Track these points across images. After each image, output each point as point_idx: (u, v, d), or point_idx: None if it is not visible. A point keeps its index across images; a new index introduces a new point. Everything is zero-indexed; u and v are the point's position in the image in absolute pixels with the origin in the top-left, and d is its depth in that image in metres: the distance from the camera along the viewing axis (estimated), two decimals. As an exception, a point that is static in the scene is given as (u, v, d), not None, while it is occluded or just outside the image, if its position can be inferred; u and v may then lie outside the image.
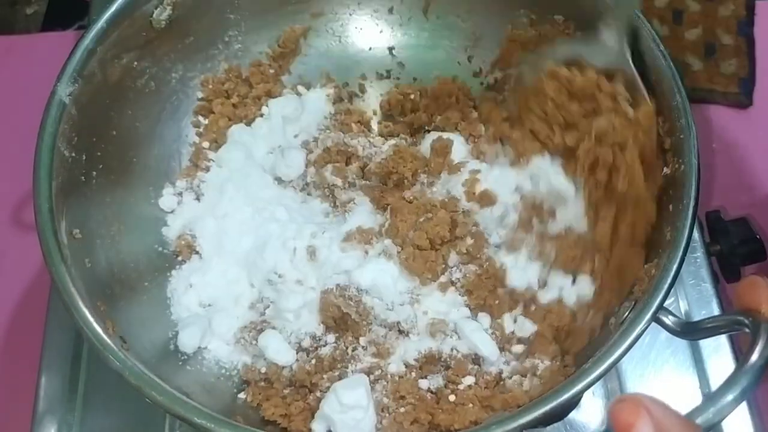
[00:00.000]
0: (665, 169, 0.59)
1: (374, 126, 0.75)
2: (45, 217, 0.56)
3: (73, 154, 0.61)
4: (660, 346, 0.68)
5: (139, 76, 0.68)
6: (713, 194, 0.82)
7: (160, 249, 0.67)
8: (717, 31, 0.88)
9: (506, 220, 0.65)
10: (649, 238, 0.58)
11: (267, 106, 0.73)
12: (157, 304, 0.65)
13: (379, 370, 0.60)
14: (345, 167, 0.70)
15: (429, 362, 0.60)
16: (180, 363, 0.61)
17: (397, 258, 0.63)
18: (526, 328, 0.61)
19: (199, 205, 0.70)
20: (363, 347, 0.62)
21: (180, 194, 0.70)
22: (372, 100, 0.76)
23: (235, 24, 0.73)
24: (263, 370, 0.61)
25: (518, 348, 0.61)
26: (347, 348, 0.62)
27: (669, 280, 0.52)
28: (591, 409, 0.67)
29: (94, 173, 0.63)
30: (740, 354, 0.60)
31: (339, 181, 0.69)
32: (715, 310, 0.70)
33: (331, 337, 0.62)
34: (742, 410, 0.66)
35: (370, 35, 0.78)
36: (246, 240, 0.66)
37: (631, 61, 0.60)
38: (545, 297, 0.61)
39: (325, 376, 0.60)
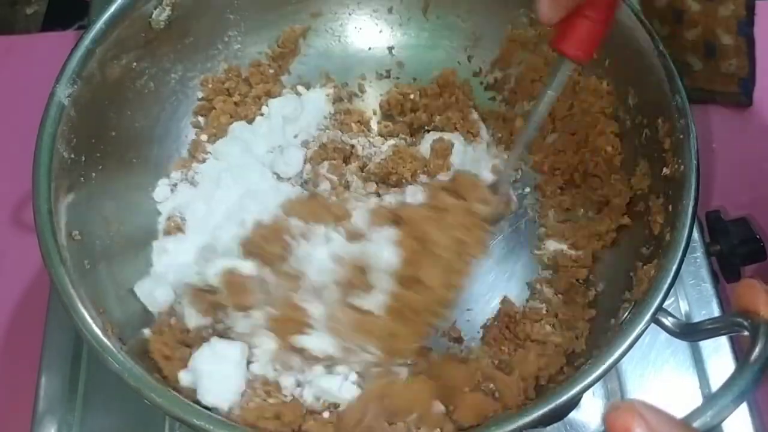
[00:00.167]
0: (665, 170, 0.59)
1: (374, 126, 0.75)
2: (44, 218, 0.56)
3: (73, 155, 0.61)
4: (660, 346, 0.68)
5: (139, 77, 0.68)
6: (713, 194, 0.82)
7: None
8: (717, 31, 0.88)
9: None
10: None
11: (267, 105, 0.73)
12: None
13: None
14: (342, 164, 0.70)
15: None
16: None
17: None
18: None
19: (193, 191, 0.70)
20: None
21: (174, 185, 0.70)
22: (371, 100, 0.76)
23: (235, 24, 0.73)
24: (173, 321, 0.62)
25: None
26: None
27: (668, 281, 0.53)
28: (591, 409, 0.67)
29: (94, 174, 0.63)
30: (740, 354, 0.60)
31: (335, 179, 0.69)
32: (715, 311, 0.70)
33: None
34: (742, 410, 0.66)
35: (369, 35, 0.78)
36: (230, 223, 0.66)
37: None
38: None
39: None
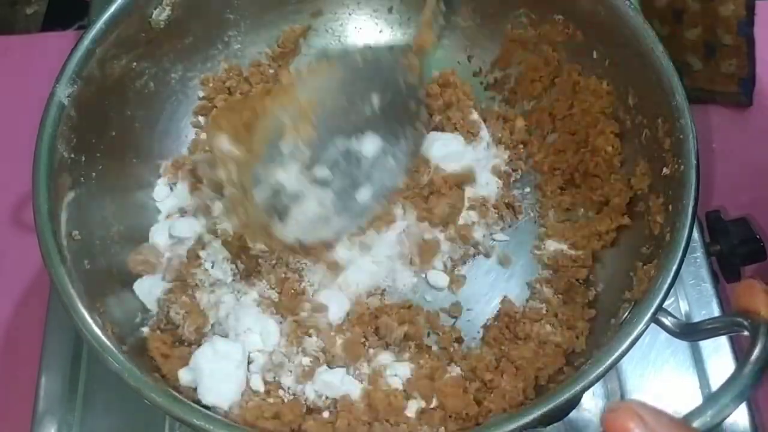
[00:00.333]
0: (665, 169, 0.59)
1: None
2: (44, 219, 0.56)
3: (73, 156, 0.61)
4: (660, 346, 0.68)
5: (139, 77, 0.68)
6: (713, 194, 0.82)
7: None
8: (717, 31, 0.88)
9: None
10: None
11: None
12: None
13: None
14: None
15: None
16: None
17: None
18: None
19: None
20: None
21: (174, 184, 0.70)
22: (372, 100, 0.76)
23: (235, 24, 0.73)
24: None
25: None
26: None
27: (668, 281, 0.53)
28: (591, 409, 0.67)
29: (94, 174, 0.63)
30: (740, 354, 0.60)
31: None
32: (715, 310, 0.70)
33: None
34: (742, 410, 0.66)
35: (369, 35, 0.78)
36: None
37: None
38: None
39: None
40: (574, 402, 0.64)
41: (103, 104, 0.65)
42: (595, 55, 0.68)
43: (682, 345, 0.68)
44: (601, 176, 0.67)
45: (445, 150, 0.69)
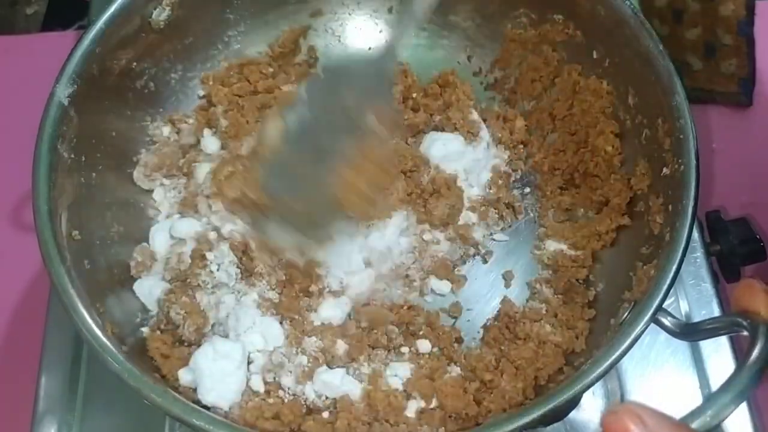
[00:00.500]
0: (665, 169, 0.59)
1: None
2: (44, 219, 0.56)
3: (73, 156, 0.61)
4: (660, 346, 0.68)
5: (139, 77, 0.68)
6: (713, 194, 0.82)
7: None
8: (717, 31, 0.88)
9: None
10: None
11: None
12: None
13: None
14: None
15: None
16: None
17: None
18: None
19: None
20: None
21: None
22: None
23: (235, 24, 0.73)
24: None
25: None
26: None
27: (668, 281, 0.53)
28: (591, 409, 0.67)
29: (94, 174, 0.63)
30: (740, 354, 0.60)
31: None
32: (716, 310, 0.70)
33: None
34: (742, 410, 0.66)
35: (369, 35, 0.78)
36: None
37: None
38: None
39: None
40: (574, 402, 0.64)
41: (103, 104, 0.65)
42: (595, 55, 0.68)
43: (682, 345, 0.68)
44: (601, 176, 0.67)
45: (445, 150, 0.69)
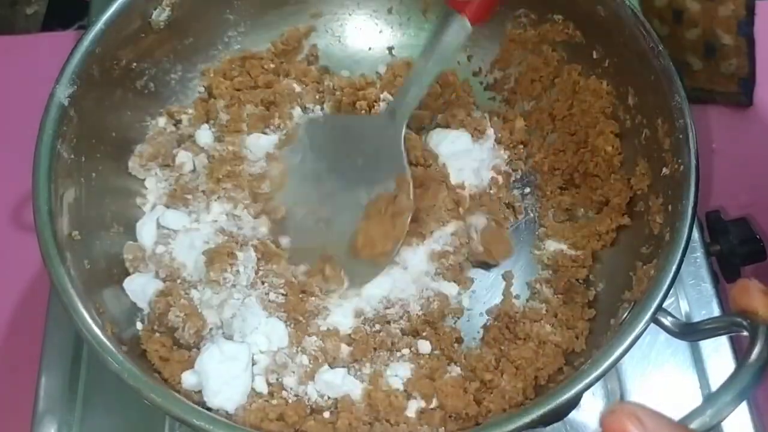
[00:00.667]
0: (664, 169, 0.60)
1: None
2: (44, 219, 0.56)
3: (73, 156, 0.61)
4: (660, 346, 0.68)
5: (139, 77, 0.68)
6: (713, 194, 0.82)
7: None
8: (717, 31, 0.88)
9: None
10: None
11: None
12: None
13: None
14: None
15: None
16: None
17: None
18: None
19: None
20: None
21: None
22: (372, 101, 0.76)
23: (235, 24, 0.73)
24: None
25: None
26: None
27: (668, 281, 0.53)
28: (591, 409, 0.67)
29: (94, 174, 0.63)
30: (740, 354, 0.60)
31: None
32: (715, 311, 0.70)
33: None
34: (742, 410, 0.66)
35: (369, 35, 0.78)
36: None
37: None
38: None
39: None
40: (574, 402, 0.64)
41: (103, 105, 0.65)
42: (594, 55, 0.68)
43: (682, 345, 0.68)
44: (600, 176, 0.67)
45: (453, 147, 0.69)
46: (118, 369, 0.52)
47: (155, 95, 0.70)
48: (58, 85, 0.60)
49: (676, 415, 0.41)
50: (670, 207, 0.58)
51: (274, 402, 0.58)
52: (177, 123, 0.71)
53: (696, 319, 0.69)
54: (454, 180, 0.69)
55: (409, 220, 0.64)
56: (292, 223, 0.66)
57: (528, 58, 0.73)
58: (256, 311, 0.61)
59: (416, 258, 0.66)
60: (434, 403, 0.59)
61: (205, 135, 0.70)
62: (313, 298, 0.63)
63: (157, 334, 0.60)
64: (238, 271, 0.63)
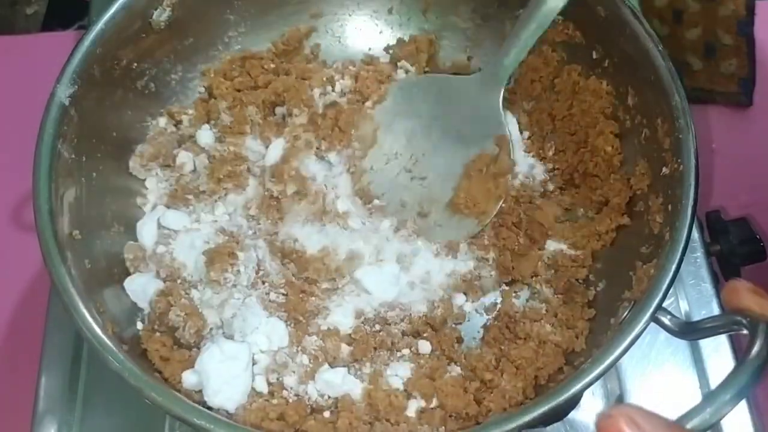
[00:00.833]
0: (664, 169, 0.60)
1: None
2: (45, 219, 0.56)
3: (73, 156, 0.61)
4: (660, 345, 0.68)
5: (139, 78, 0.68)
6: (713, 194, 0.82)
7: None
8: (717, 31, 0.88)
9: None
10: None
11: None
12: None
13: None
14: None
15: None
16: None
17: None
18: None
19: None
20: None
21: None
22: (372, 101, 0.76)
23: (235, 25, 0.73)
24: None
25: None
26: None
27: (668, 281, 0.53)
28: (591, 409, 0.67)
29: (94, 174, 0.63)
30: (740, 354, 0.60)
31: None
32: (715, 310, 0.70)
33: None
34: (742, 410, 0.66)
35: (369, 36, 0.77)
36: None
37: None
38: None
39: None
40: (574, 401, 0.65)
41: (103, 104, 0.65)
42: (595, 55, 0.68)
43: (682, 344, 0.68)
44: (600, 176, 0.67)
45: None
46: (118, 368, 0.52)
47: (156, 95, 0.70)
48: (58, 85, 0.60)
49: (676, 414, 0.41)
50: (670, 207, 0.58)
51: (275, 401, 0.58)
52: (177, 123, 0.71)
53: (696, 318, 0.69)
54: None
55: (509, 180, 0.67)
56: (385, 180, 0.69)
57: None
58: (256, 311, 0.61)
59: (439, 274, 0.66)
60: (434, 403, 0.59)
61: (205, 135, 0.70)
62: (313, 298, 0.63)
63: (158, 334, 0.60)
64: (238, 270, 0.63)
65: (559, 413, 0.64)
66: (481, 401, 0.58)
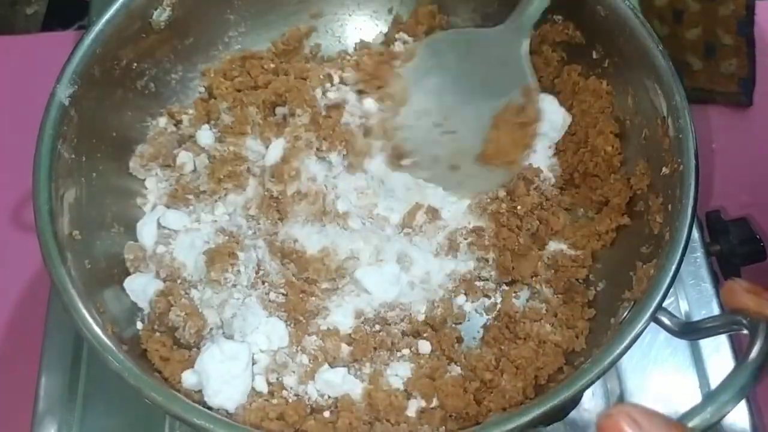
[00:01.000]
0: (664, 169, 0.60)
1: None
2: (45, 219, 0.56)
3: (73, 156, 0.61)
4: (660, 345, 0.68)
5: (139, 77, 0.68)
6: (713, 194, 0.82)
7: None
8: (717, 31, 0.88)
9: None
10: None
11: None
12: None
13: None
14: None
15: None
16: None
17: None
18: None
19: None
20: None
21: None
22: (372, 101, 0.76)
23: (235, 25, 0.73)
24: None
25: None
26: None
27: (668, 280, 0.53)
28: (591, 409, 0.67)
29: (94, 174, 0.63)
30: (740, 354, 0.60)
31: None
32: (715, 310, 0.70)
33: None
34: (742, 410, 0.66)
35: (369, 36, 0.77)
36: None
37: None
38: None
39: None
40: (574, 401, 0.65)
41: (103, 105, 0.65)
42: (595, 55, 0.68)
43: (682, 344, 0.68)
44: (600, 176, 0.67)
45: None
46: (118, 368, 0.52)
47: (156, 95, 0.70)
48: (58, 85, 0.60)
49: (676, 414, 0.41)
50: (670, 206, 0.58)
51: (275, 401, 0.58)
52: (178, 123, 0.71)
53: (696, 318, 0.69)
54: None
55: (537, 129, 0.68)
56: (418, 136, 0.69)
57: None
58: (256, 311, 0.61)
59: (439, 274, 0.66)
60: (434, 403, 0.59)
61: (205, 135, 0.70)
62: (313, 298, 0.63)
63: (158, 334, 0.60)
64: (238, 270, 0.63)
65: (559, 413, 0.64)
66: (481, 401, 0.58)
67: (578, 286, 0.65)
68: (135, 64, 0.67)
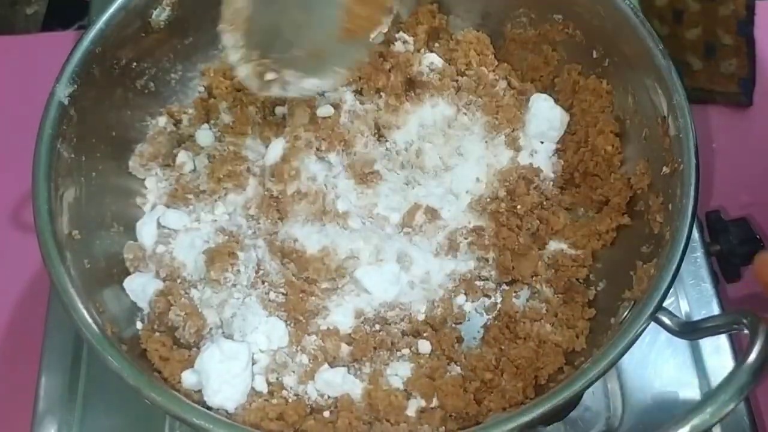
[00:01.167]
0: (664, 169, 0.60)
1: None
2: (44, 219, 0.56)
3: (73, 155, 0.61)
4: (660, 345, 0.68)
5: (139, 77, 0.68)
6: (713, 194, 0.82)
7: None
8: (717, 31, 0.88)
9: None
10: None
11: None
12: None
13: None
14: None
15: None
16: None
17: None
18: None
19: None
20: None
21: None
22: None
23: (235, 24, 0.73)
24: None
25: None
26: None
27: (668, 280, 0.53)
28: (591, 409, 0.67)
29: (94, 174, 0.63)
30: (740, 354, 0.60)
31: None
32: (715, 310, 0.70)
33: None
34: (742, 410, 0.66)
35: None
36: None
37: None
38: None
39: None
40: (575, 401, 0.65)
41: (103, 104, 0.65)
42: (594, 55, 0.68)
43: (683, 344, 0.68)
44: (600, 176, 0.67)
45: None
46: (118, 368, 0.52)
47: (155, 95, 0.70)
48: (58, 85, 0.60)
49: (675, 415, 0.41)
50: (670, 206, 0.58)
51: (274, 401, 0.58)
52: (177, 123, 0.71)
53: (696, 318, 0.69)
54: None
55: None
56: (271, 39, 0.62)
57: (528, 58, 0.73)
58: (256, 311, 0.61)
59: (439, 274, 0.66)
60: (434, 403, 0.59)
61: (205, 135, 0.70)
62: (313, 298, 0.63)
63: (157, 334, 0.60)
64: (238, 270, 0.63)
65: (559, 413, 0.64)
66: (481, 401, 0.58)
67: (578, 285, 0.65)
68: (134, 64, 0.67)
